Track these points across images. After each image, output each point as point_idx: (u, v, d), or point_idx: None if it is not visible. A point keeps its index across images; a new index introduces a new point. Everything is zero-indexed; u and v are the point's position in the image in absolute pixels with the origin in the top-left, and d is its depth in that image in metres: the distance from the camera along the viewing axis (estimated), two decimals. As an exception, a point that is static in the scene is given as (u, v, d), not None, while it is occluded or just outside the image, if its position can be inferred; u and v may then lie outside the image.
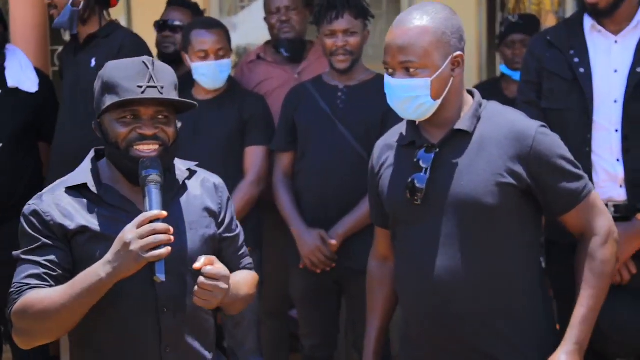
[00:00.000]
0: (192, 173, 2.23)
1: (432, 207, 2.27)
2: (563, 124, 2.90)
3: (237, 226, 2.31)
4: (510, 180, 2.23)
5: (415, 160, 2.29)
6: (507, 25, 4.26)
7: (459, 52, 2.27)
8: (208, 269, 2.00)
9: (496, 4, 5.03)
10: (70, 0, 3.53)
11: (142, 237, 1.91)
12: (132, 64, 2.10)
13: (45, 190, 2.12)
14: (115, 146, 2.08)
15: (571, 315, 2.30)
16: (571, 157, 2.32)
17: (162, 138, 2.08)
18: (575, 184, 2.28)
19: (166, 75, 2.11)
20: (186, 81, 3.74)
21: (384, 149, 2.44)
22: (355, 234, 3.35)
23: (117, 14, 4.13)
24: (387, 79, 2.29)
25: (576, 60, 2.93)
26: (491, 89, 4.30)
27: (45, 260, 2.02)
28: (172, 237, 1.94)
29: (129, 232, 1.92)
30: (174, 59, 4.05)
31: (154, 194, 2.00)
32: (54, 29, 3.70)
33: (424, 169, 2.27)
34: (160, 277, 1.94)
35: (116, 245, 1.94)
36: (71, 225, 2.05)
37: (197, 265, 2.01)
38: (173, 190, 2.16)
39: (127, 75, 2.07)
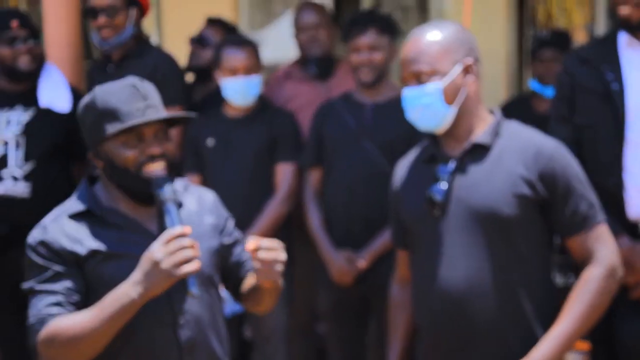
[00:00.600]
0: (185, 189, 2.26)
1: (451, 219, 2.30)
2: (595, 140, 2.88)
3: (237, 230, 2.33)
4: (527, 191, 2.26)
5: (434, 174, 2.33)
6: (538, 41, 4.24)
7: (469, 59, 2.32)
8: (264, 243, 2.03)
9: (526, 19, 5.01)
10: (133, 21, 3.58)
11: (171, 254, 1.93)
12: (123, 87, 2.11)
13: (46, 220, 2.13)
14: (125, 171, 2.08)
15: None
16: (587, 183, 2.33)
17: (167, 155, 2.12)
18: (585, 208, 2.30)
19: (154, 92, 2.15)
20: (215, 98, 3.77)
21: (404, 168, 2.49)
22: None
23: (148, 28, 4.16)
24: (403, 92, 2.35)
25: (609, 75, 2.90)
26: (521, 105, 4.28)
27: (62, 288, 2.03)
28: (199, 252, 1.97)
29: (158, 251, 1.94)
30: (201, 74, 4.09)
31: (173, 211, 2.04)
32: (106, 50, 3.68)
33: (443, 182, 2.30)
34: (194, 291, 1.98)
35: (144, 265, 1.95)
36: (82, 250, 2.06)
37: (249, 247, 2.03)
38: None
39: (122, 99, 2.08)
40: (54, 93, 3.64)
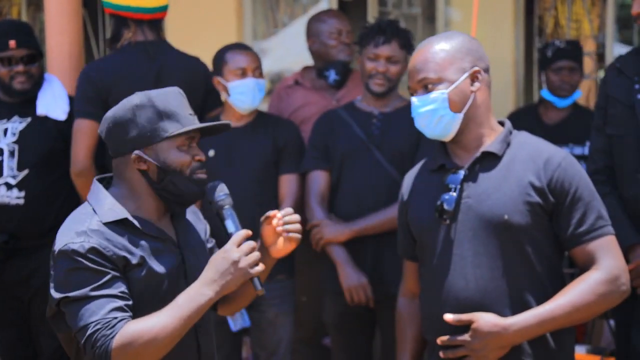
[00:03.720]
0: None
1: (461, 227, 2.31)
2: (621, 150, 2.92)
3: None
4: (537, 199, 2.27)
5: (444, 183, 2.34)
6: (555, 51, 4.18)
7: (477, 67, 2.33)
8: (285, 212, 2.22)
9: (534, 29, 4.98)
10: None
11: (246, 254, 2.04)
12: (175, 93, 2.16)
13: (79, 227, 2.07)
14: (179, 173, 2.12)
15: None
16: (596, 193, 2.32)
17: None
18: (592, 218, 2.28)
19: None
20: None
21: (413, 178, 2.50)
22: (386, 258, 3.30)
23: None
24: (411, 101, 2.37)
25: (637, 86, 2.90)
26: (529, 114, 4.27)
27: (121, 292, 2.04)
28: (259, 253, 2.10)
29: (234, 252, 2.04)
30: None
31: (234, 215, 2.14)
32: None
33: (453, 189, 2.31)
34: (263, 289, 2.10)
35: (221, 264, 2.04)
36: (133, 259, 2.07)
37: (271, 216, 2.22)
38: (182, 213, 2.25)
39: (178, 104, 2.14)
40: (52, 102, 3.65)
